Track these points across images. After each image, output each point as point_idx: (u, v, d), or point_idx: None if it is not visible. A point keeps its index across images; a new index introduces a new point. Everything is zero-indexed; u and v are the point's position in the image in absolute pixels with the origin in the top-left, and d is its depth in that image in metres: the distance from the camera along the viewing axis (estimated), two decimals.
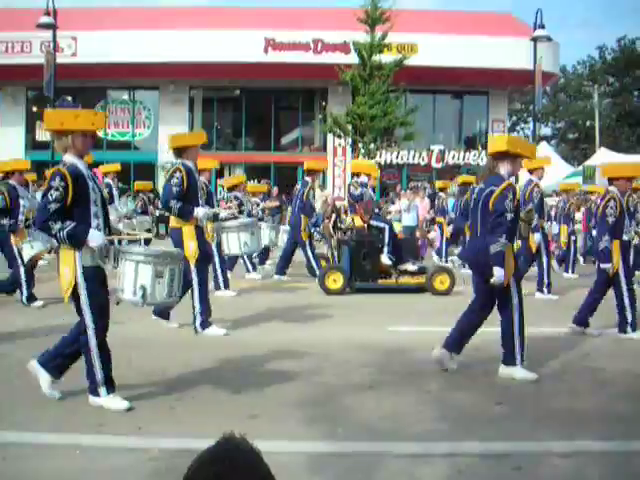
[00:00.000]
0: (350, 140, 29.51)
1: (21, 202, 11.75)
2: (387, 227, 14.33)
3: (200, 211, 9.41)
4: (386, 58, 28.41)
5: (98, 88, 35.94)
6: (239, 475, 2.00)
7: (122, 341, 7.85)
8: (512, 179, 7.54)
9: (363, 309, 11.93)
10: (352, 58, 29.42)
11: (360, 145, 28.66)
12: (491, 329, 9.24)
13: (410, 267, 14.20)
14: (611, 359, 8.34)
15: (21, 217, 11.66)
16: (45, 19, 26.55)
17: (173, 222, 9.60)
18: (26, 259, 11.42)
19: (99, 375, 6.17)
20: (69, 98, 35.61)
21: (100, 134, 35.11)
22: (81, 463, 5.05)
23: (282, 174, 34.91)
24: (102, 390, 6.20)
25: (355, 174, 14.85)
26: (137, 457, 5.15)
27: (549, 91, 63.23)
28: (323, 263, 15.31)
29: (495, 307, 7.61)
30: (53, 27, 26.81)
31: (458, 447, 5.37)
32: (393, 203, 28.03)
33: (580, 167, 35.21)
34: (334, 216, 16.81)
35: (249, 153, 35.81)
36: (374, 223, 14.31)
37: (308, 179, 15.28)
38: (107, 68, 31.88)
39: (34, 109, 36.61)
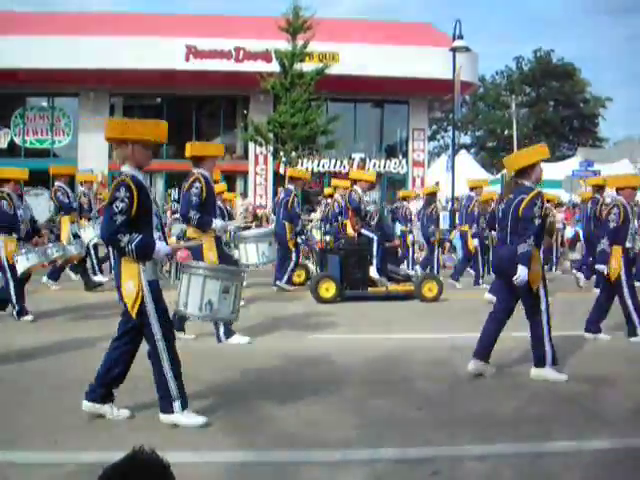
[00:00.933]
0: (272, 148, 29.52)
1: (18, 212, 11.37)
2: (375, 238, 14.45)
3: (218, 222, 9.33)
4: (307, 67, 28.52)
5: (16, 94, 35.23)
6: None
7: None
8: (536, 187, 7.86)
9: (280, 318, 11.91)
10: (274, 66, 29.46)
11: (281, 153, 28.70)
12: (412, 336, 9.39)
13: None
14: (529, 363, 8.49)
15: (22, 226, 11.29)
16: None
17: (191, 233, 9.39)
18: (20, 271, 11.09)
19: (173, 389, 5.95)
20: None
21: (18, 142, 34.57)
22: None
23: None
24: (176, 405, 5.95)
25: (354, 182, 14.98)
26: (52, 472, 5.05)
27: (468, 100, 64.30)
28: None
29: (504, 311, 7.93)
30: None
31: (376, 453, 5.41)
32: (314, 211, 28.15)
33: (499, 175, 35.95)
34: (254, 224, 16.84)
35: (170, 161, 35.48)
36: (365, 232, 14.43)
37: (291, 187, 15.13)
38: (26, 74, 31.26)
39: None
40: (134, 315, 5.91)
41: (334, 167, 34.90)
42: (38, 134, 35.91)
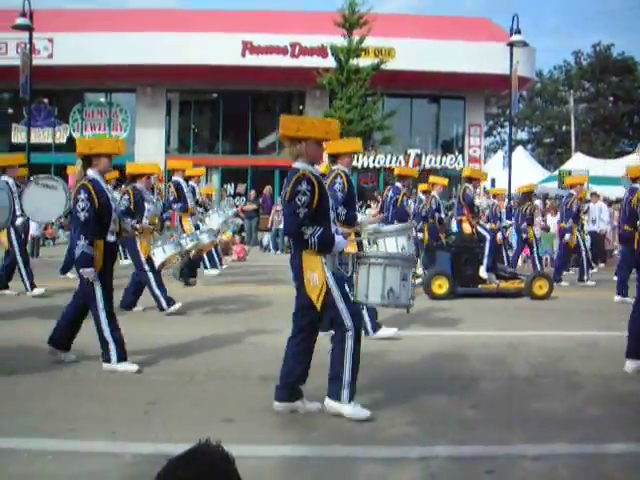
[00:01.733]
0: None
1: (146, 206, 11.63)
2: (489, 237, 14.44)
3: (363, 217, 9.60)
4: (363, 62, 28.46)
5: (75, 90, 35.74)
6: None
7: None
8: None
9: None
10: (330, 62, 29.43)
11: None
12: (465, 333, 9.34)
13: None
14: (585, 362, 8.39)
15: (146, 221, 11.48)
16: (21, 20, 26.41)
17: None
18: (158, 263, 11.32)
19: (347, 377, 6.07)
20: (45, 100, 35.50)
21: (77, 137, 35.02)
22: (52, 468, 5.03)
23: (259, 178, 34.82)
24: (345, 393, 6.08)
25: (469, 179, 15.00)
26: (109, 462, 5.14)
27: (525, 96, 63.62)
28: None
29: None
30: (29, 29, 26.67)
31: (431, 451, 5.39)
32: (369, 207, 28.12)
33: (556, 172, 35.52)
34: None
35: (226, 156, 35.69)
36: (480, 230, 14.46)
37: (400, 185, 15.00)
38: (84, 70, 31.68)
39: (10, 111, 36.42)
40: (319, 307, 6.05)
41: (389, 163, 34.77)
42: (96, 129, 36.32)
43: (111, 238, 7.83)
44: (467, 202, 14.60)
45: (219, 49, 31.51)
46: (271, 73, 32.07)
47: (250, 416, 6.18)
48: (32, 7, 26.44)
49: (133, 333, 9.62)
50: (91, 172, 7.74)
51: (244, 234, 26.88)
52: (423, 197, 17.82)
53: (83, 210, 7.54)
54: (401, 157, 34.99)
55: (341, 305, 6.01)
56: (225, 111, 36.14)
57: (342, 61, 28.23)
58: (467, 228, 14.61)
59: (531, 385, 7.42)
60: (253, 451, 5.16)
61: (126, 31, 31.92)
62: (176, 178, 15.38)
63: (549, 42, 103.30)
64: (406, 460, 5.27)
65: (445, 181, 17.39)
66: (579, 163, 34.86)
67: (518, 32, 25.69)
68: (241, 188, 35.00)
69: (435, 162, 35.29)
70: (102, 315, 7.59)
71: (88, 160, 7.85)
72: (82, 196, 7.54)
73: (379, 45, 30.67)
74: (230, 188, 35.04)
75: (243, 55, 32.50)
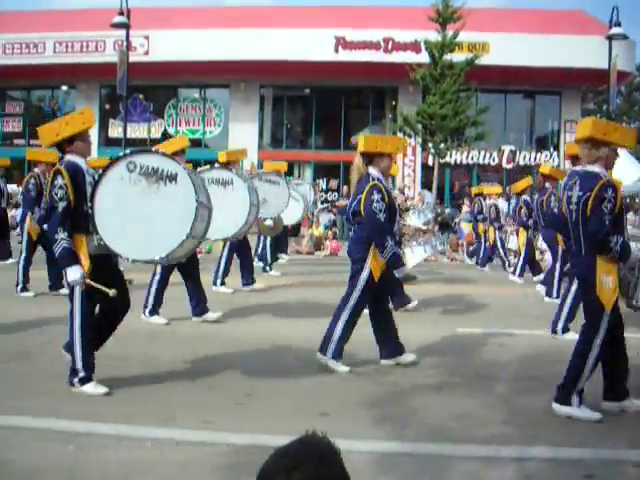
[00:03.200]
0: (420, 140, 29.31)
1: None
2: None
3: None
4: (457, 57, 28.15)
5: (170, 86, 36.34)
6: (307, 468, 2.00)
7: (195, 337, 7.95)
8: None
9: (431, 309, 11.84)
10: (423, 57, 29.22)
11: (430, 145, 28.45)
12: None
13: None
14: None
15: None
16: (119, 19, 26.98)
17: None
18: (414, 263, 11.52)
19: (580, 382, 6.20)
20: (141, 96, 36.18)
21: (171, 132, 35.61)
22: (151, 455, 5.13)
23: None
24: (575, 399, 6.17)
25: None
26: (205, 451, 5.20)
27: (624, 90, 62.13)
28: None
29: None
30: (126, 26, 27.22)
31: (527, 451, 5.30)
32: (464, 204, 27.94)
33: None
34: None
35: (318, 152, 35.79)
36: None
37: (548, 185, 14.65)
38: (179, 66, 32.18)
39: (107, 107, 37.23)
40: (609, 309, 6.08)
41: (483, 159, 34.39)
42: (190, 124, 36.83)
43: None
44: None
45: (312, 45, 31.61)
46: (364, 68, 32.01)
47: (345, 411, 6.19)
48: (129, 5, 27.00)
49: (230, 327, 9.78)
50: (373, 171, 7.78)
51: (336, 229, 26.93)
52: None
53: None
54: (495, 153, 34.57)
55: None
56: (317, 106, 36.23)
57: (436, 56, 27.99)
58: None
59: (634, 388, 7.23)
60: (348, 445, 5.14)
61: (220, 27, 32.30)
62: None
63: None
64: (501, 460, 5.20)
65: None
66: None
67: (618, 25, 25.12)
68: (333, 183, 35.06)
69: (529, 159, 34.74)
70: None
71: (369, 158, 7.86)
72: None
73: (473, 40, 30.30)
74: (322, 183, 35.13)
75: (336, 51, 32.53)
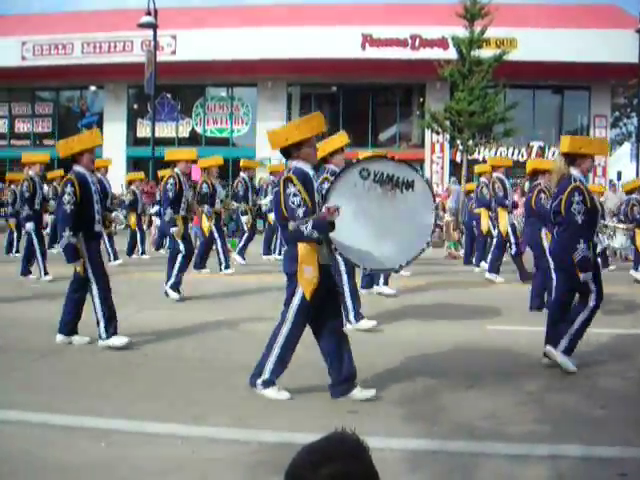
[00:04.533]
0: (448, 136, 29.21)
1: None
2: None
3: None
4: (485, 53, 28.01)
5: (197, 85, 36.50)
6: (336, 464, 1.99)
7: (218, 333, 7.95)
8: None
9: (461, 306, 11.80)
10: (450, 54, 29.12)
11: (458, 141, 28.34)
12: (593, 330, 9.04)
13: None
14: None
15: None
16: (146, 19, 27.17)
17: None
18: None
19: None
20: (168, 95, 36.35)
21: (199, 131, 35.74)
22: (182, 452, 5.15)
23: None
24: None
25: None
26: (236, 449, 5.21)
27: None
28: None
29: None
30: (154, 26, 27.39)
31: (559, 450, 5.25)
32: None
33: None
34: None
35: (346, 149, 35.72)
36: None
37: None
38: (206, 66, 32.31)
39: (135, 106, 37.46)
40: None
41: (512, 155, 34.21)
42: (218, 123, 36.96)
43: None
44: None
45: (339, 42, 31.62)
46: (391, 66, 31.97)
47: (374, 408, 6.17)
48: (156, 6, 27.15)
49: (261, 326, 9.78)
50: (575, 172, 7.71)
51: None
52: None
53: None
54: (523, 149, 34.39)
55: None
56: (345, 104, 36.21)
57: (464, 53, 27.86)
58: None
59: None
60: (378, 443, 5.13)
61: (247, 26, 32.37)
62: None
63: None
64: (533, 458, 5.16)
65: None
66: None
67: None
68: None
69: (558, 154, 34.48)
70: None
71: (571, 159, 7.74)
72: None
73: (500, 35, 30.17)
74: None
75: (363, 48, 32.52)
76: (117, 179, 35.09)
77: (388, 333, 9.41)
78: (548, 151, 34.46)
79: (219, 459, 5.03)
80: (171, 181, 12.06)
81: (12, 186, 19.23)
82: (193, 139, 36.26)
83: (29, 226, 14.22)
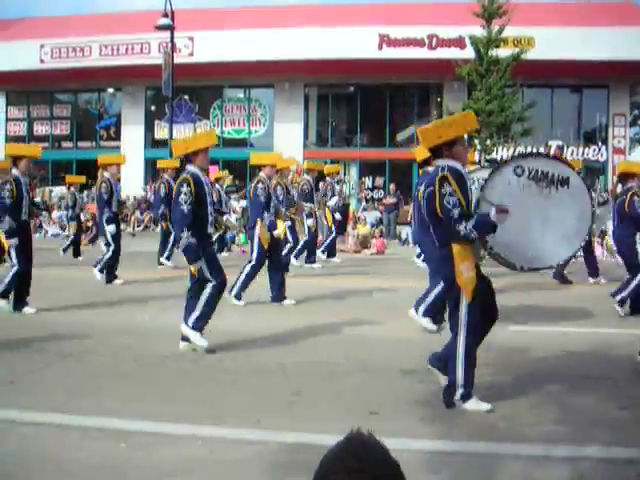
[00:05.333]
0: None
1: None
2: None
3: None
4: (503, 52, 27.89)
5: (214, 87, 36.57)
6: (373, 469, 1.98)
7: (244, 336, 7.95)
8: None
9: None
10: (467, 53, 29.00)
11: (476, 141, 28.22)
12: (611, 330, 9.02)
13: None
14: None
15: None
16: (163, 21, 27.22)
17: None
18: None
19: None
20: (186, 97, 36.44)
21: (217, 132, 35.80)
22: (201, 453, 5.15)
23: (397, 170, 34.74)
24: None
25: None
26: (255, 450, 5.21)
27: None
28: None
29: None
30: (171, 28, 27.44)
31: (580, 451, 5.22)
32: None
33: None
34: None
35: (364, 150, 35.76)
36: None
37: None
38: (223, 67, 32.37)
39: (153, 108, 37.56)
40: None
41: None
42: (235, 124, 37.01)
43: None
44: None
45: (356, 43, 31.58)
46: (408, 65, 31.91)
47: (394, 409, 6.16)
48: (173, 7, 27.22)
49: (276, 325, 9.79)
50: None
51: (382, 227, 26.87)
52: None
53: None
54: (542, 149, 34.22)
55: None
56: (362, 104, 36.17)
57: (481, 52, 27.75)
58: None
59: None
60: (398, 444, 5.11)
61: (264, 27, 32.40)
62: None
63: None
64: (553, 459, 5.13)
65: None
66: None
67: None
68: (379, 181, 35.00)
69: (577, 154, 34.34)
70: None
71: None
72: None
73: (518, 34, 30.03)
74: (368, 181, 35.09)
75: (380, 48, 32.47)
76: (135, 181, 35.37)
77: (407, 333, 9.39)
78: (567, 150, 34.28)
79: (238, 460, 5.05)
80: (261, 186, 12.10)
81: (72, 188, 19.39)
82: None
83: (110, 228, 13.98)
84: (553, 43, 30.20)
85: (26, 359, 7.83)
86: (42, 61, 34.88)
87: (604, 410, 6.22)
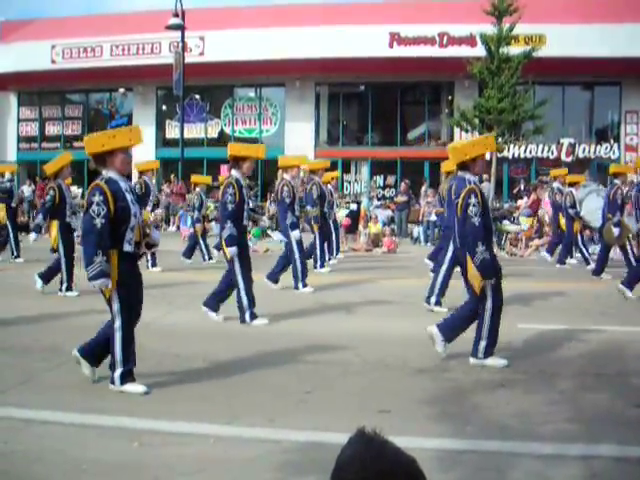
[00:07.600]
0: (477, 134, 29.01)
1: None
2: None
3: None
4: (514, 50, 27.80)
5: (225, 86, 36.58)
6: (403, 470, 1.98)
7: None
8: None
9: None
10: (478, 51, 28.91)
11: None
12: (624, 328, 9.00)
13: None
14: None
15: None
16: (174, 20, 27.33)
17: None
18: None
19: None
20: (197, 96, 36.49)
21: (228, 131, 35.86)
22: (214, 452, 5.17)
23: (409, 169, 34.67)
24: None
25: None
26: (268, 449, 5.23)
27: None
28: None
29: None
30: (181, 28, 27.53)
31: (593, 449, 5.22)
32: (522, 198, 27.63)
33: None
34: None
35: (375, 148, 35.71)
36: None
37: None
38: (234, 66, 32.37)
39: (164, 108, 37.61)
40: None
41: (541, 153, 33.98)
42: (246, 124, 37.02)
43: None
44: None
45: (366, 41, 31.56)
46: (419, 64, 31.84)
47: (406, 408, 6.17)
48: (184, 7, 27.28)
49: (288, 325, 9.81)
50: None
51: (394, 226, 26.85)
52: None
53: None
54: (553, 146, 34.13)
55: None
56: (373, 103, 36.13)
57: (492, 50, 27.67)
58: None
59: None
60: (410, 442, 5.11)
61: (274, 26, 32.41)
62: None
63: None
64: (566, 458, 5.13)
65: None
66: None
67: None
68: (391, 180, 34.96)
69: (589, 151, 34.22)
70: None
71: None
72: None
73: (529, 32, 29.94)
74: (380, 180, 35.06)
75: (390, 46, 32.42)
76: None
77: (418, 331, 9.39)
78: (578, 148, 34.16)
79: (251, 459, 5.06)
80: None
81: (197, 189, 19.53)
82: (222, 139, 36.35)
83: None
84: (564, 40, 30.10)
85: (41, 359, 7.86)
86: (53, 62, 34.97)
87: (617, 408, 6.21)
